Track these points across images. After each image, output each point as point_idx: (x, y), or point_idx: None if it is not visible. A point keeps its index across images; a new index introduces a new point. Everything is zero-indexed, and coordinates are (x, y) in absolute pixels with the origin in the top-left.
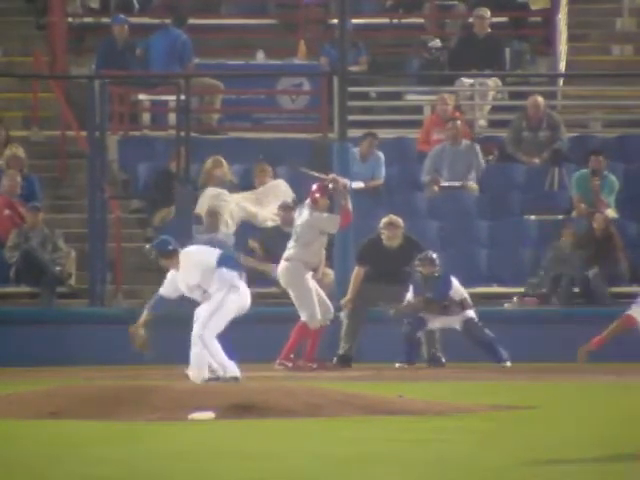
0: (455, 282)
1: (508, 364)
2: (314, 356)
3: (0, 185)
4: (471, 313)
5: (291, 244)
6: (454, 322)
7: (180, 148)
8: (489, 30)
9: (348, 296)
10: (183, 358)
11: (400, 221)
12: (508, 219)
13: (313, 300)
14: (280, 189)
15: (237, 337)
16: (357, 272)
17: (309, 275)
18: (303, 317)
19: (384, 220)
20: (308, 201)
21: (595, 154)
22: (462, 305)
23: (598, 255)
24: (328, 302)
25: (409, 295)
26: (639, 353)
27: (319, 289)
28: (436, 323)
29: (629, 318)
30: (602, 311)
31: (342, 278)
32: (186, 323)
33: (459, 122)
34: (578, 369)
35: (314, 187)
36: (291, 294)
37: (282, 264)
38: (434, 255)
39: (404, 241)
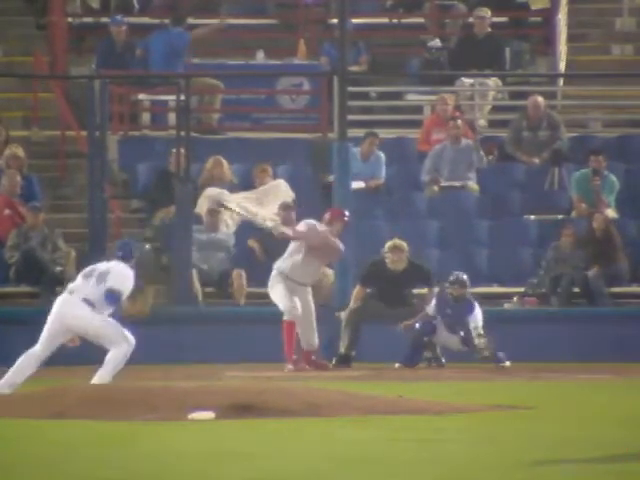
0: (477, 310)
1: (507, 364)
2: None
3: (0, 185)
4: (475, 340)
5: (284, 254)
6: (454, 344)
7: (180, 148)
8: (489, 30)
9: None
10: (184, 358)
11: (405, 245)
12: (508, 219)
13: (287, 297)
14: (280, 189)
15: (238, 337)
16: (358, 290)
17: (288, 285)
18: (283, 312)
19: (388, 244)
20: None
21: (595, 154)
22: (469, 334)
23: (598, 255)
24: (315, 331)
25: (430, 309)
26: (639, 353)
27: (310, 314)
28: (440, 338)
29: None
30: (602, 311)
31: (342, 280)
32: (186, 323)
33: (460, 122)
34: (577, 369)
35: (334, 212)
36: (271, 297)
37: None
38: (465, 277)
39: (408, 265)
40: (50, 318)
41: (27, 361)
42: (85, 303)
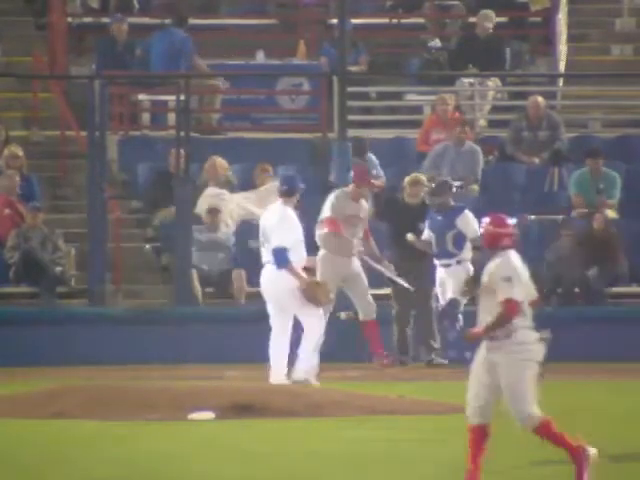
0: (468, 214)
1: (440, 361)
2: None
3: None
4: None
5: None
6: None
7: (180, 148)
8: (490, 30)
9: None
10: (184, 358)
11: (424, 179)
12: None
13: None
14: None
15: (238, 337)
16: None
17: (341, 269)
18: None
19: (407, 178)
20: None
21: (592, 156)
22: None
23: (598, 255)
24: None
25: (425, 233)
26: (639, 353)
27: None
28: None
29: None
30: (602, 311)
31: None
32: (186, 323)
33: (467, 127)
34: (577, 369)
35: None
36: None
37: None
38: (445, 180)
39: (424, 201)
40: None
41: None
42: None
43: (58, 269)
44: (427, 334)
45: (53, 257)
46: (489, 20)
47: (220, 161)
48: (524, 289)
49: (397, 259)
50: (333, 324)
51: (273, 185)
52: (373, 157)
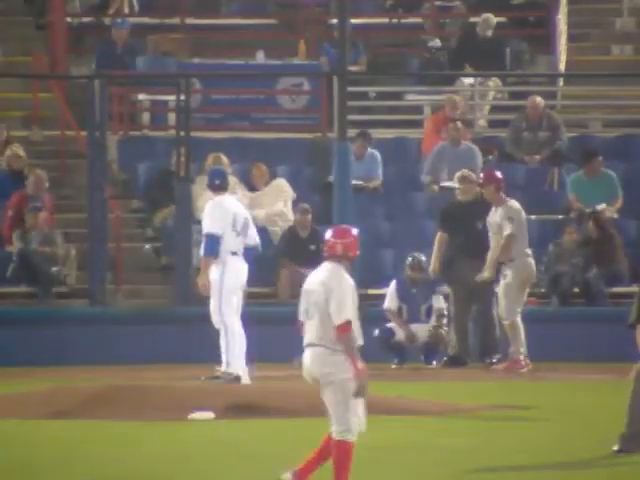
0: (441, 291)
1: (434, 364)
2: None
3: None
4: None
5: None
6: (421, 331)
7: (180, 148)
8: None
9: (432, 264)
10: (184, 358)
11: (473, 176)
12: None
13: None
14: (282, 188)
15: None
16: (439, 237)
17: None
18: None
19: (457, 174)
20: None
21: (588, 160)
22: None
23: (598, 255)
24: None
25: (388, 301)
26: (639, 353)
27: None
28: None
29: None
30: (602, 311)
31: None
32: (186, 323)
33: (459, 123)
34: (577, 369)
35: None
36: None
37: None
38: (423, 258)
39: (477, 197)
40: None
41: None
42: None
43: (57, 269)
44: (486, 334)
45: (53, 257)
46: (490, 26)
47: (223, 157)
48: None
49: (453, 259)
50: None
51: (274, 185)
52: (377, 155)
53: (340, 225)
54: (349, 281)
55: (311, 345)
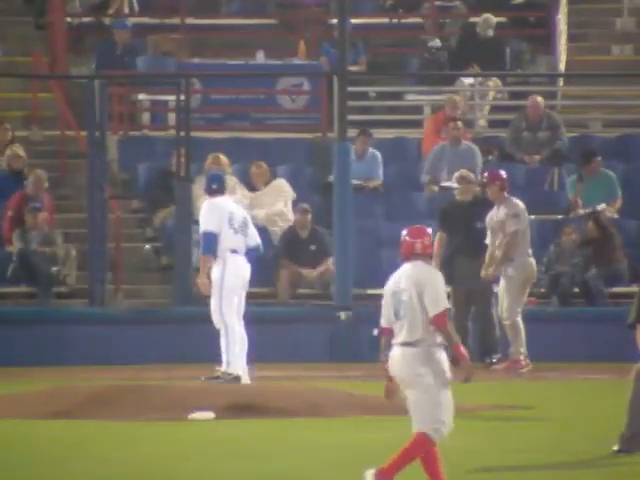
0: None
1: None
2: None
3: (24, 184)
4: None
5: None
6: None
7: (180, 148)
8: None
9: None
10: (184, 358)
11: (472, 176)
12: None
13: None
14: (282, 188)
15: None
16: (439, 237)
17: None
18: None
19: (456, 175)
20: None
21: (587, 161)
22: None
23: (597, 255)
24: None
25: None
26: (639, 353)
27: None
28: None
29: None
30: (602, 311)
31: (342, 280)
32: (186, 323)
33: (459, 123)
34: (578, 369)
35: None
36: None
37: None
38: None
39: (476, 197)
40: None
41: None
42: None
43: (57, 269)
44: (486, 334)
45: (52, 257)
46: (490, 26)
47: (222, 157)
48: None
49: (452, 259)
50: (333, 324)
51: (274, 185)
52: (378, 154)
53: (413, 225)
54: (438, 273)
55: (404, 344)
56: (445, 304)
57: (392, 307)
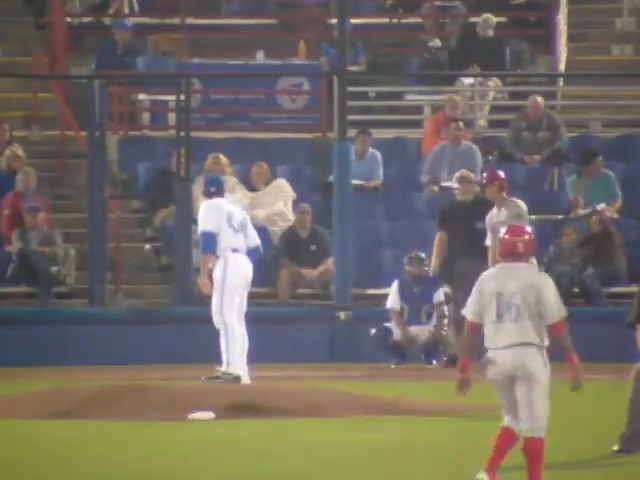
0: (441, 289)
1: (434, 364)
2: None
3: (15, 183)
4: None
5: None
6: (421, 332)
7: (180, 148)
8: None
9: (432, 264)
10: (184, 358)
11: (472, 176)
12: None
13: None
14: (282, 188)
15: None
16: (439, 237)
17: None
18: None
19: (456, 175)
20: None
21: (588, 162)
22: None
23: (597, 255)
24: None
25: (390, 301)
26: (638, 353)
27: None
28: (399, 335)
29: None
30: (601, 311)
31: (342, 280)
32: (186, 323)
33: (461, 123)
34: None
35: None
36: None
37: None
38: (422, 254)
39: (477, 197)
40: None
41: None
42: None
43: (57, 269)
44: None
45: (52, 257)
46: (490, 26)
47: (222, 158)
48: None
49: (452, 259)
50: (333, 324)
51: (275, 185)
52: (378, 154)
53: (512, 224)
54: (549, 277)
55: (518, 345)
56: (564, 312)
57: (495, 308)
